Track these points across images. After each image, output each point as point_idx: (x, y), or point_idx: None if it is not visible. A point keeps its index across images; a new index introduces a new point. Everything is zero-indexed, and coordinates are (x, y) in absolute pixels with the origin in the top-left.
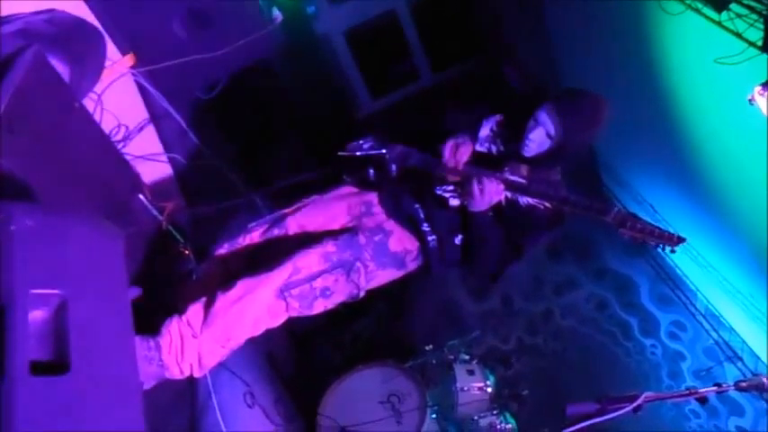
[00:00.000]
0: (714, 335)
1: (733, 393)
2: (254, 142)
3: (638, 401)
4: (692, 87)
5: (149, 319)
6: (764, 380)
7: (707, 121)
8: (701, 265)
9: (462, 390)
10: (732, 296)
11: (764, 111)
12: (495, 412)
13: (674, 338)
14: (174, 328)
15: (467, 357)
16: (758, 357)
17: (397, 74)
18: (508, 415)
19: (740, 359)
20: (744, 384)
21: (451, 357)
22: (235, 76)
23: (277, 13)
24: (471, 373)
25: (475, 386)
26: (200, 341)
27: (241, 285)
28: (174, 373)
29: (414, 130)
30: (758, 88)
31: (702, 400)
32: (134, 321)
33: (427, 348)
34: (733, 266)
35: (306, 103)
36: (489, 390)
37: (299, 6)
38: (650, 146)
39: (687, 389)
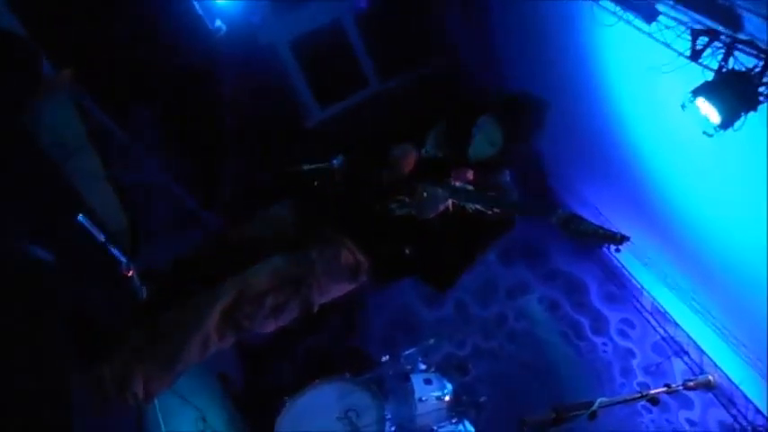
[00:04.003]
0: (661, 331)
1: None
2: (202, 155)
3: (593, 408)
4: (630, 94)
5: (93, 347)
6: (710, 378)
7: (645, 125)
8: (645, 264)
9: (420, 400)
10: (675, 292)
11: (703, 112)
12: (454, 421)
13: (624, 336)
14: (117, 354)
15: (424, 367)
16: (703, 351)
17: (344, 82)
18: (467, 423)
19: (686, 353)
20: (691, 384)
21: (408, 368)
22: (179, 89)
23: (220, 24)
24: (429, 382)
25: (433, 396)
26: (146, 367)
27: (187, 306)
28: (119, 402)
29: (362, 137)
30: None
31: (654, 401)
32: (78, 349)
33: (384, 359)
34: (674, 263)
35: (253, 115)
36: (447, 398)
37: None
38: (593, 150)
39: (639, 390)
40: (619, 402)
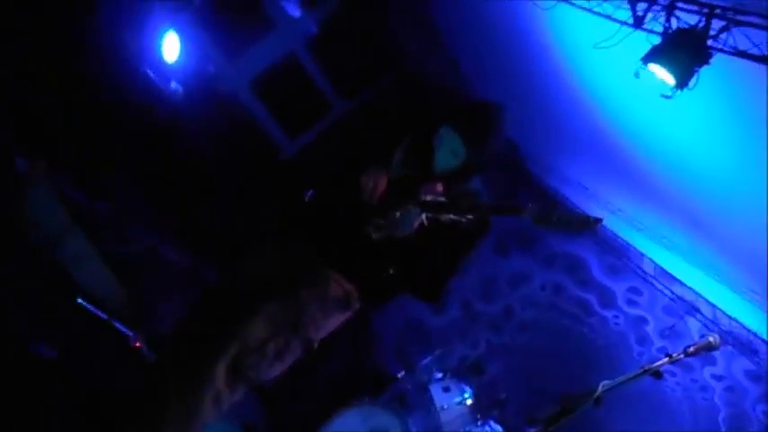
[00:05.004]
0: (668, 292)
1: None
2: (185, 211)
3: (597, 393)
4: (586, 68)
5: (112, 423)
6: (711, 339)
7: (610, 97)
8: (639, 229)
9: (443, 409)
10: (675, 251)
11: (657, 76)
12: (479, 423)
13: (633, 304)
14: (133, 425)
15: (440, 375)
16: (714, 305)
17: (308, 110)
18: (492, 422)
19: (698, 310)
20: (692, 349)
21: (425, 379)
22: (151, 153)
23: (176, 86)
24: (447, 389)
25: (454, 402)
26: None
27: (194, 366)
28: None
29: (332, 164)
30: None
31: (657, 375)
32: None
33: (400, 375)
34: (668, 221)
35: (227, 161)
36: (468, 402)
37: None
38: (565, 129)
39: (641, 367)
40: (622, 383)
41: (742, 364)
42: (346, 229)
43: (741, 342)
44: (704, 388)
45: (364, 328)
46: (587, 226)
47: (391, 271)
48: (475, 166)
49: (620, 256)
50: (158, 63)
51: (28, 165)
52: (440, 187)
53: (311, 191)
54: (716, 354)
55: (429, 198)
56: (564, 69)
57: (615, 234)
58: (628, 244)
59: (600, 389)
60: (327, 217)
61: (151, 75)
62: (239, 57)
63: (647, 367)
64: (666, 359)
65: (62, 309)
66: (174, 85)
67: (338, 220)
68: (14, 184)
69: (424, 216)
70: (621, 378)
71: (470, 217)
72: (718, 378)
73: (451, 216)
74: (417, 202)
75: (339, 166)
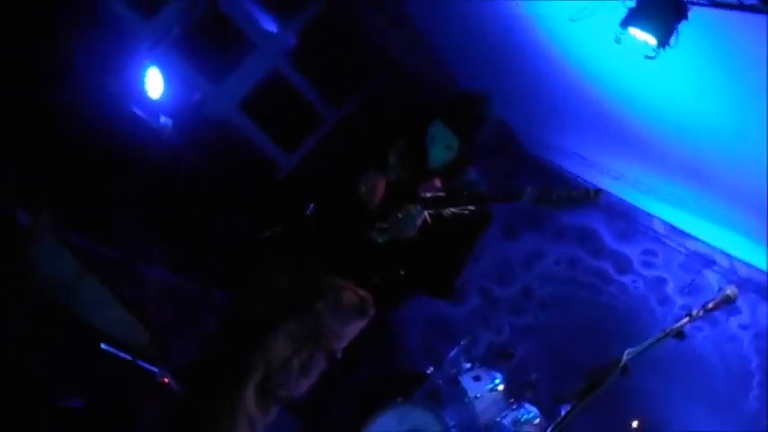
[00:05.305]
0: (682, 249)
1: None
2: (195, 244)
3: (623, 362)
4: (572, 42)
5: None
6: (729, 292)
7: (597, 66)
8: (644, 190)
9: (476, 398)
10: (683, 207)
11: (638, 38)
12: (514, 407)
13: (650, 266)
14: None
15: (469, 365)
16: (729, 254)
17: (301, 123)
18: (527, 405)
19: (714, 262)
20: (711, 305)
21: (454, 371)
22: (151, 190)
23: (166, 120)
24: (478, 378)
25: (486, 390)
26: None
27: (223, 395)
28: None
29: (330, 174)
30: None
31: (680, 335)
32: None
33: (429, 371)
34: (670, 178)
35: (227, 185)
36: (500, 388)
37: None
38: (557, 103)
39: (664, 329)
40: (646, 348)
41: (766, 309)
42: (350, 236)
43: (762, 287)
44: (733, 338)
45: (386, 330)
46: (589, 198)
47: (401, 272)
48: (470, 156)
49: (629, 220)
50: (144, 100)
51: (32, 218)
52: (438, 183)
53: (312, 205)
54: (739, 302)
55: (429, 195)
56: (547, 46)
57: (621, 199)
58: (635, 207)
59: (625, 357)
60: (330, 227)
61: (139, 113)
62: (223, 81)
63: (668, 330)
64: (686, 319)
65: (85, 358)
66: (163, 119)
67: (341, 229)
68: (19, 242)
69: (426, 213)
70: (644, 344)
71: (472, 208)
72: (745, 327)
73: (453, 209)
74: (417, 200)
75: (337, 173)
